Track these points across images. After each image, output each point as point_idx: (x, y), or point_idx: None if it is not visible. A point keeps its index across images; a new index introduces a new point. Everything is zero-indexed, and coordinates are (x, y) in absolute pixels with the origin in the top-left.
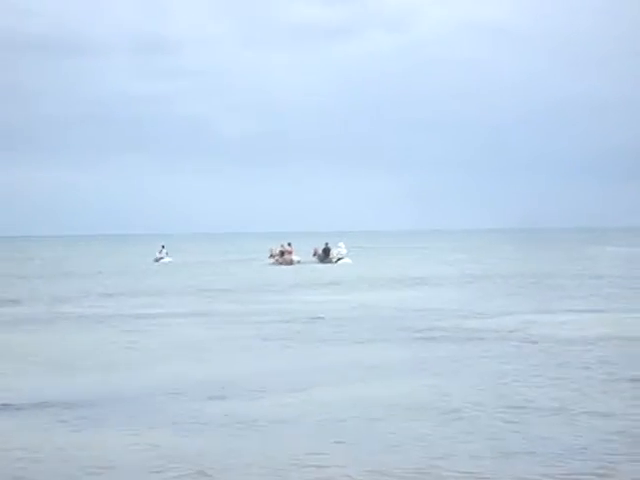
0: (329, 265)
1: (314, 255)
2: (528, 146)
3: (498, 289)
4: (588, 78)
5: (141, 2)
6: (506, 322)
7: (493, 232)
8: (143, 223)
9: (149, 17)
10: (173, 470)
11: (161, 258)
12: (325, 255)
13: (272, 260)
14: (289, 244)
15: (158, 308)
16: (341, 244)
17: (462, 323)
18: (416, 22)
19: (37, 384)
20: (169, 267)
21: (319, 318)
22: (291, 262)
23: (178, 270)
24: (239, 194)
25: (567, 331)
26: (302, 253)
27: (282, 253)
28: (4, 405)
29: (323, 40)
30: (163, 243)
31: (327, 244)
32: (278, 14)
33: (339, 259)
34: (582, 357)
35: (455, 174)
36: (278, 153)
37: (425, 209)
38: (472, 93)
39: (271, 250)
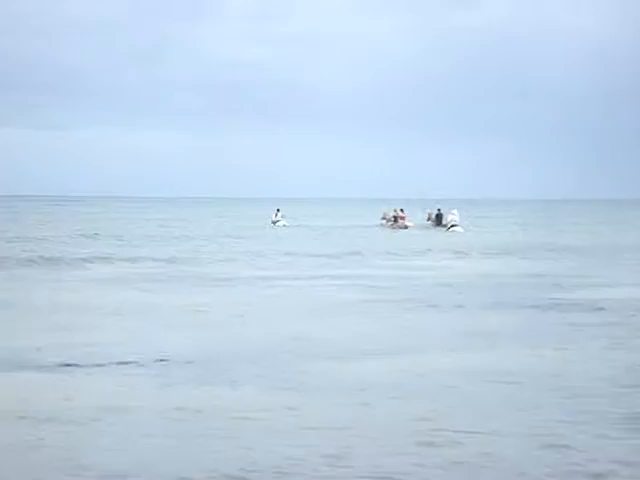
0: (442, 232)
1: (428, 220)
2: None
3: (616, 260)
4: None
5: None
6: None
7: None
8: (236, 186)
9: None
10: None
11: (277, 221)
12: (439, 220)
13: (387, 224)
14: (402, 210)
15: (287, 270)
16: (454, 211)
17: (586, 293)
18: None
19: (175, 341)
20: (287, 230)
21: (440, 285)
22: (405, 227)
23: (295, 234)
24: (335, 161)
25: None
26: (413, 219)
27: (395, 218)
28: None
29: (434, 8)
30: (278, 207)
31: (439, 210)
32: None
33: (452, 225)
34: None
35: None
36: (377, 121)
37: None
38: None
39: (384, 214)
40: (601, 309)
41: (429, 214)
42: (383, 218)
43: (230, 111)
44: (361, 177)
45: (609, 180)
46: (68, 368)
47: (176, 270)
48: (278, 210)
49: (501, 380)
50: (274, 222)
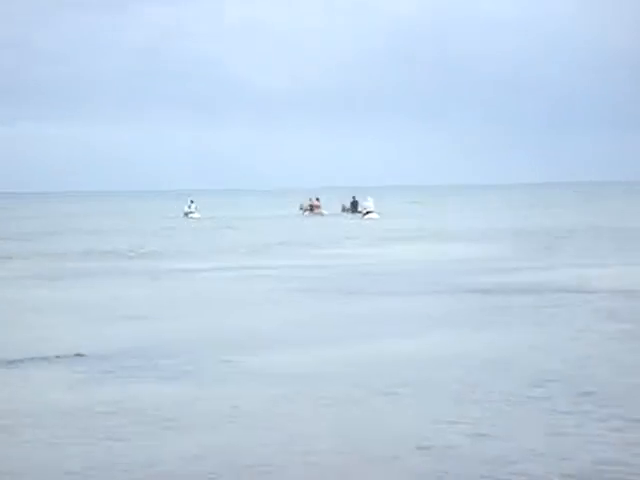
0: (358, 219)
1: (342, 210)
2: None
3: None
4: None
5: None
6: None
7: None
8: (168, 179)
9: None
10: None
11: (190, 212)
12: (354, 208)
13: (303, 214)
14: (317, 199)
15: (194, 263)
16: (369, 198)
17: (495, 278)
18: None
19: (76, 335)
20: (199, 223)
21: (352, 272)
22: (321, 215)
23: (208, 225)
24: (278, 150)
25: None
26: (330, 207)
27: (312, 207)
28: None
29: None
30: (192, 198)
31: (354, 197)
32: None
33: (368, 212)
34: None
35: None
36: (311, 109)
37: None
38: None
39: (301, 205)
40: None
41: (343, 205)
42: (300, 208)
43: (164, 102)
44: (314, 166)
45: (567, 163)
46: None
47: (96, 265)
48: (192, 202)
49: (419, 365)
50: (186, 214)
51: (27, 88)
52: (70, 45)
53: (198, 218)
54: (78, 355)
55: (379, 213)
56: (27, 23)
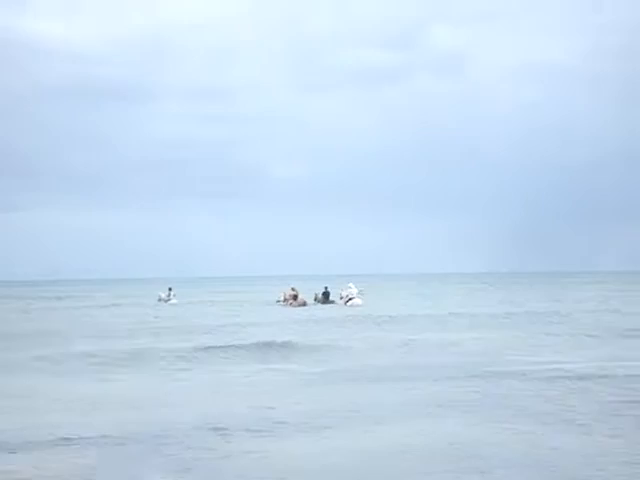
0: (339, 306)
1: (315, 300)
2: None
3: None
4: None
5: (198, 52)
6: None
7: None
8: (185, 267)
9: (206, 65)
10: None
11: (168, 299)
12: (325, 298)
13: (285, 303)
14: (292, 289)
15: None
16: (351, 284)
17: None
18: (468, 65)
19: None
20: (178, 309)
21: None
22: (304, 304)
23: (187, 311)
24: (270, 238)
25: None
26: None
27: (295, 297)
28: None
29: (380, 84)
30: (170, 286)
31: (326, 288)
32: (331, 59)
33: (350, 299)
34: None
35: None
36: (326, 197)
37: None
38: (524, 137)
39: (283, 294)
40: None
41: (315, 294)
42: (284, 299)
43: (179, 190)
44: (310, 254)
45: (550, 253)
46: None
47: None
48: (170, 289)
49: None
50: (165, 300)
51: (47, 173)
52: (94, 132)
53: (174, 304)
54: (82, 439)
55: (362, 298)
56: (49, 107)
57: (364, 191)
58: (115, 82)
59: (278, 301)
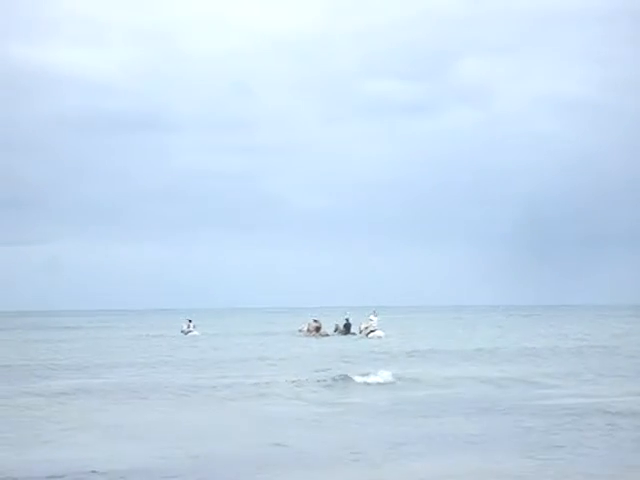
0: (361, 338)
1: (335, 330)
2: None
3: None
4: None
5: (219, 80)
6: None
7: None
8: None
9: (228, 96)
10: None
11: (189, 331)
12: (347, 329)
13: (308, 334)
14: (315, 320)
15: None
16: (372, 317)
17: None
18: (494, 97)
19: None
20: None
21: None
22: (326, 335)
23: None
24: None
25: None
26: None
27: (318, 328)
28: None
29: (401, 116)
30: (190, 318)
31: (347, 319)
32: (356, 89)
33: (372, 331)
34: None
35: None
36: (348, 228)
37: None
38: (548, 168)
39: (308, 325)
40: None
41: (337, 325)
42: (308, 329)
43: (200, 221)
44: (326, 285)
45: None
46: None
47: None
48: (190, 321)
49: None
50: (185, 332)
51: (69, 205)
52: (115, 163)
53: (196, 335)
54: (93, 472)
55: (383, 331)
56: (70, 138)
57: (383, 222)
58: (137, 112)
59: (300, 330)
